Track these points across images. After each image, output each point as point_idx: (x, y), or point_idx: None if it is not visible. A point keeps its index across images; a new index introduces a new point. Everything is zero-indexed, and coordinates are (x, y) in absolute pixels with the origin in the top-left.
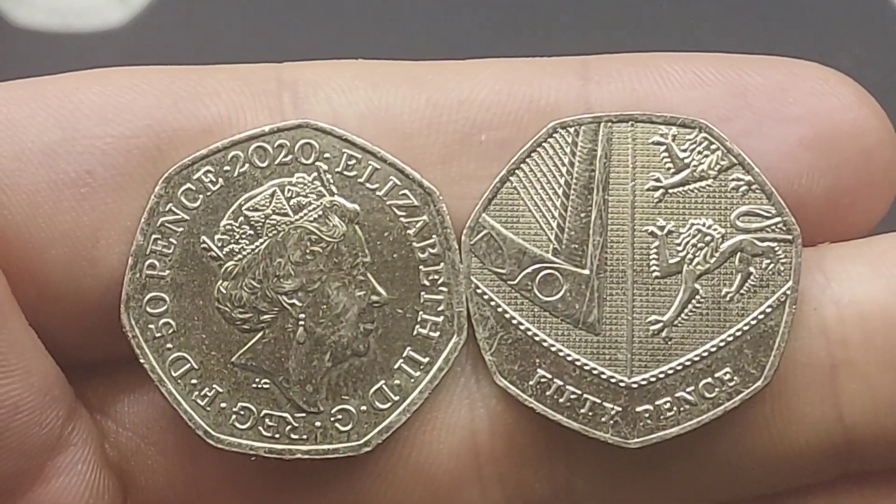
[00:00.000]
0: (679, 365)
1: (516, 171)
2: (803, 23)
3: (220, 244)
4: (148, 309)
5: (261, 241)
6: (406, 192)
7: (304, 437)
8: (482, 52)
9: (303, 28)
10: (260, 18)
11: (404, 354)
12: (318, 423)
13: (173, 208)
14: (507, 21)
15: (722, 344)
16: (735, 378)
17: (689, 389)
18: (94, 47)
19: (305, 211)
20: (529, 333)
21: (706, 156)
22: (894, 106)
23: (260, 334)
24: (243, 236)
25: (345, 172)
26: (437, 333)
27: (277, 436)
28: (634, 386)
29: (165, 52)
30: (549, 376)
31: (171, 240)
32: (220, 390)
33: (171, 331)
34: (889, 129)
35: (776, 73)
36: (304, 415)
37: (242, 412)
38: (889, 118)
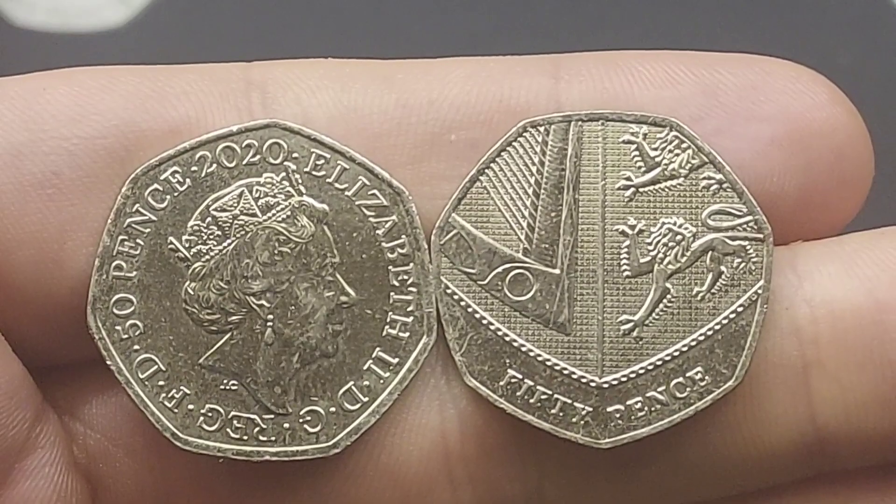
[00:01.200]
0: (650, 364)
1: (486, 171)
2: (803, 23)
3: (187, 245)
4: (115, 310)
5: (228, 241)
6: (375, 191)
7: (273, 438)
8: (452, 51)
9: (303, 27)
10: (260, 18)
11: (373, 355)
12: (286, 425)
13: (140, 209)
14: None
15: (693, 343)
16: (706, 378)
17: (660, 389)
18: (94, 47)
19: (274, 211)
20: (500, 333)
21: (677, 154)
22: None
23: (228, 335)
24: (211, 237)
25: (313, 172)
26: (407, 334)
27: (245, 437)
28: (605, 386)
29: (165, 52)
30: (520, 376)
31: (138, 241)
32: (188, 392)
33: (138, 332)
34: (861, 127)
35: (748, 72)
36: (272, 416)
37: (210, 414)
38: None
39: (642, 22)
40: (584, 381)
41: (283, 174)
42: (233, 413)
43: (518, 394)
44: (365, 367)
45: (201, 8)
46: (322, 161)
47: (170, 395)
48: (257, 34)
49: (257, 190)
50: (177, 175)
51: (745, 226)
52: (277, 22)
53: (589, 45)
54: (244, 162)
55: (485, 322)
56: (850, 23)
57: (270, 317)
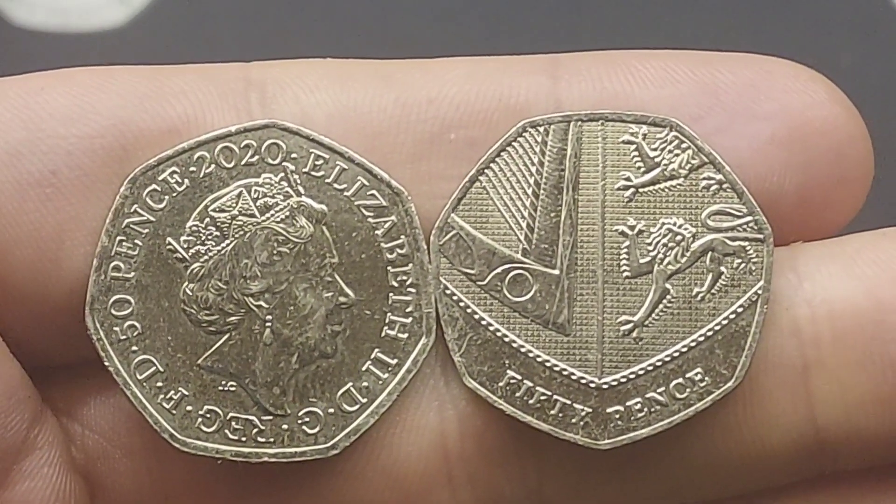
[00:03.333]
0: (650, 365)
1: (485, 171)
2: (803, 23)
3: (185, 245)
4: (113, 311)
5: (227, 242)
6: (374, 192)
7: (271, 440)
8: (451, 50)
9: (304, 27)
10: (260, 18)
11: (372, 356)
12: (284, 426)
13: (138, 209)
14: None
15: (693, 344)
16: (706, 378)
17: (660, 390)
18: (94, 47)
19: (272, 212)
20: (499, 334)
21: (677, 154)
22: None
23: (226, 336)
24: (209, 237)
25: (312, 173)
26: (406, 335)
27: (244, 439)
28: (605, 387)
29: (165, 52)
30: (519, 377)
31: (136, 241)
32: (186, 393)
33: (136, 333)
34: (861, 126)
35: (747, 71)
36: (270, 417)
37: (208, 415)
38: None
39: (641, 22)
40: (583, 381)
41: (282, 174)
42: (231, 414)
43: (517, 395)
44: (364, 368)
45: (201, 8)
46: (321, 161)
47: (168, 397)
48: (257, 34)
49: (256, 190)
50: (175, 175)
51: (745, 226)
52: (277, 22)
53: (588, 44)
54: (242, 162)
55: (484, 323)
56: (851, 23)
57: (269, 317)
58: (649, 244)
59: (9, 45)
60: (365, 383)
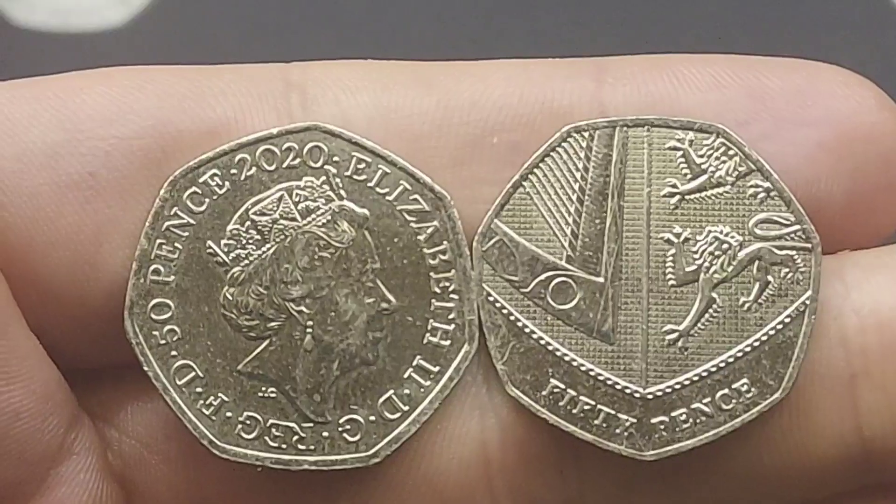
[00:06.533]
0: (695, 375)
1: (529, 176)
2: (803, 23)
3: (226, 249)
4: (152, 315)
5: (268, 246)
6: (417, 196)
7: (312, 447)
8: (494, 53)
9: (304, 27)
10: (260, 18)
11: (414, 363)
12: (325, 434)
13: (178, 212)
14: (520, 22)
15: (739, 354)
16: (752, 389)
17: (705, 401)
18: (94, 47)
19: (314, 216)
20: (542, 342)
21: (724, 161)
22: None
23: (267, 342)
24: (250, 241)
25: (354, 176)
26: (448, 342)
27: (284, 446)
28: (650, 397)
29: (166, 52)
30: (563, 386)
31: (176, 244)
32: (226, 399)
33: (175, 338)
34: None
35: (795, 76)
36: (311, 425)
37: (248, 422)
38: None
39: (644, 25)
40: (627, 391)
41: (324, 178)
42: (271, 421)
43: (561, 404)
44: (405, 376)
45: (201, 8)
46: (363, 165)
47: (207, 403)
48: (257, 34)
49: (297, 194)
50: (216, 178)
51: (792, 235)
52: (277, 22)
53: (631, 48)
54: (284, 165)
55: (527, 331)
56: (851, 23)
57: (310, 323)
58: (695, 252)
59: (9, 45)
60: (406, 391)
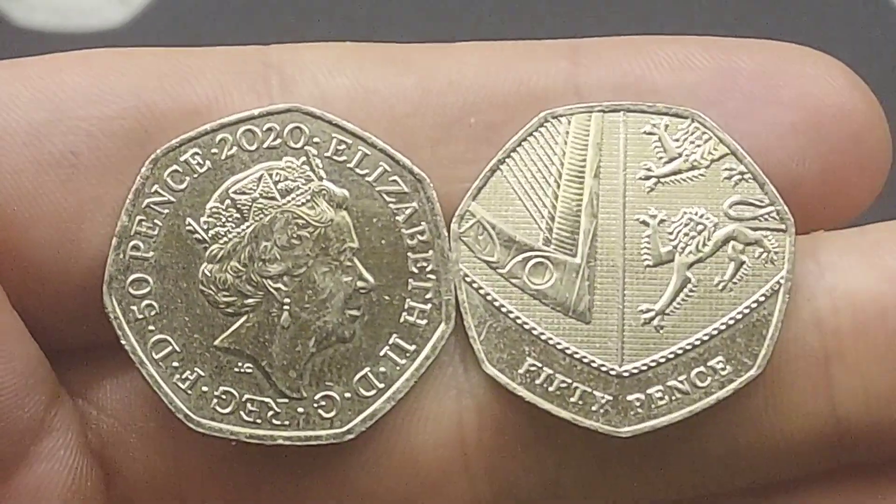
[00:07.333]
0: (671, 354)
1: (506, 160)
2: (803, 23)
3: (205, 227)
4: (131, 290)
5: (247, 224)
6: (396, 178)
7: (287, 423)
8: (471, 35)
9: (304, 28)
10: (260, 18)
11: (390, 342)
12: (300, 409)
13: (159, 190)
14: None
15: (714, 332)
16: (728, 367)
17: (680, 378)
18: (94, 47)
19: (293, 195)
20: (519, 322)
21: (698, 145)
22: (894, 105)
23: (244, 318)
24: (229, 219)
25: (334, 157)
26: (425, 321)
27: (259, 421)
28: (625, 374)
29: None
30: (539, 365)
31: (156, 221)
32: (202, 374)
33: (153, 313)
34: (879, 112)
35: (766, 57)
36: (286, 400)
37: (224, 396)
38: (889, 118)
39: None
40: (603, 369)
41: (304, 158)
42: (247, 396)
43: (537, 382)
44: (381, 354)
45: (201, 8)
46: (343, 146)
47: (184, 377)
48: (257, 34)
49: (277, 174)
50: (197, 157)
51: (766, 216)
52: (277, 22)
53: (607, 30)
54: (265, 145)
55: (504, 310)
56: (850, 23)
57: (287, 300)
58: (671, 233)
59: (9, 45)
60: (382, 368)
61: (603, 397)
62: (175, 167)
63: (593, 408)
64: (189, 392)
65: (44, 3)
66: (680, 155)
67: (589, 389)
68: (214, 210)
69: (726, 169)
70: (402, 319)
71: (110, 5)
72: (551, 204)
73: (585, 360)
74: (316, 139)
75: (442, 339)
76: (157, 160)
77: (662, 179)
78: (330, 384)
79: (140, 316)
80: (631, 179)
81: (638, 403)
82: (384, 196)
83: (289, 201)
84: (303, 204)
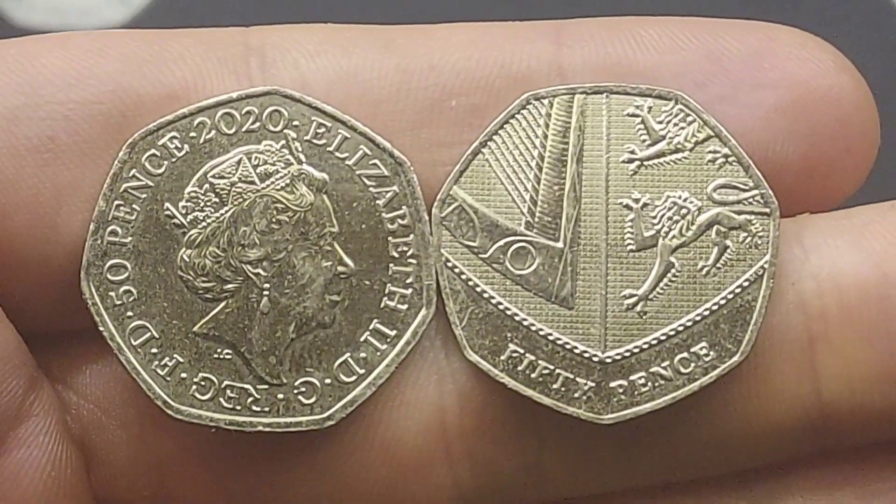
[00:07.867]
0: (654, 339)
1: (488, 143)
2: (802, 23)
3: (184, 211)
4: (109, 276)
5: (226, 209)
6: (376, 161)
7: (266, 409)
8: (453, 16)
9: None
10: (260, 19)
11: (371, 327)
12: (280, 396)
13: (137, 174)
14: None
15: (698, 318)
16: (711, 353)
17: (664, 364)
18: None
19: (272, 179)
20: (501, 307)
21: (682, 128)
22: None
23: (223, 304)
24: (208, 204)
25: (314, 141)
26: (406, 306)
27: (238, 407)
28: (608, 361)
29: None
30: (521, 351)
31: (134, 206)
32: (181, 360)
33: (131, 299)
34: (867, 95)
35: (752, 38)
36: (266, 387)
37: (203, 383)
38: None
39: None
40: (586, 356)
41: (283, 142)
42: (226, 382)
43: (519, 368)
44: (362, 339)
45: (201, 8)
46: (323, 130)
47: (162, 363)
48: None
49: (256, 157)
50: (175, 141)
51: (751, 200)
52: (277, 22)
53: (591, 10)
54: (243, 129)
55: (486, 296)
56: (850, 23)
57: (267, 285)
58: (654, 217)
59: None
60: (363, 354)
61: (586, 384)
62: (153, 151)
63: (576, 395)
64: (168, 378)
65: (44, 3)
66: (663, 137)
67: (571, 376)
68: (193, 194)
69: (710, 152)
70: (382, 304)
71: (110, 5)
72: (533, 188)
73: (568, 347)
74: (295, 122)
75: (423, 324)
76: (135, 144)
77: (646, 162)
78: (310, 370)
79: (118, 302)
80: (614, 162)
81: (621, 390)
82: (364, 180)
83: (268, 185)
84: (282, 188)
